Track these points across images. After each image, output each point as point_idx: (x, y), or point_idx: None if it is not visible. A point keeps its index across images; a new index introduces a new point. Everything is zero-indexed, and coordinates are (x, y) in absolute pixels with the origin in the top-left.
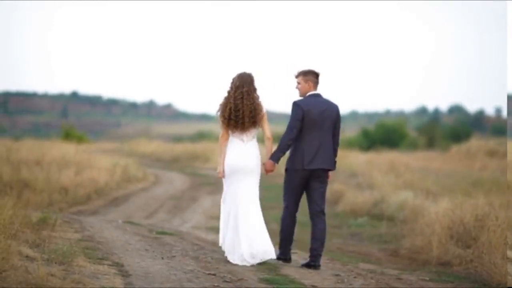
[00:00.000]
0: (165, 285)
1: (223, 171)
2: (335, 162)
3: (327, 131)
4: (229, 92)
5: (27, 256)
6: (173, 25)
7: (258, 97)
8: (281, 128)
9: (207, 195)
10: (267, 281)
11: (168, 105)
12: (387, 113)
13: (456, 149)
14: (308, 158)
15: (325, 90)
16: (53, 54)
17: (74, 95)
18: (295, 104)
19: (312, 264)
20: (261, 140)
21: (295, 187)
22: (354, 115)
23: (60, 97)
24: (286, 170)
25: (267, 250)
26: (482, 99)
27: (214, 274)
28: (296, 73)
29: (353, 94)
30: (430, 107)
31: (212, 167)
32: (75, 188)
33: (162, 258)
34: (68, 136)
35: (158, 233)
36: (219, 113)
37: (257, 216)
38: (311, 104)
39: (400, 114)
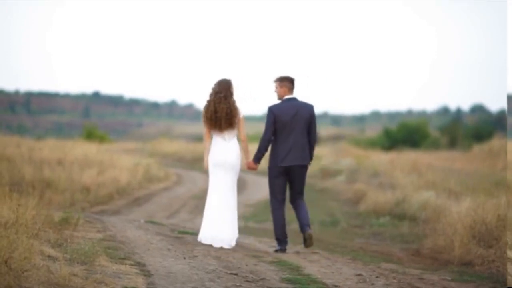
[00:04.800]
0: (187, 285)
1: (207, 164)
2: (310, 157)
3: (301, 131)
4: (210, 96)
5: (49, 256)
6: (195, 26)
7: (234, 102)
8: None
9: None
10: (289, 280)
11: (190, 105)
12: (409, 112)
13: (479, 149)
14: (281, 156)
15: (347, 90)
16: (75, 54)
17: (96, 95)
18: (268, 110)
19: (279, 249)
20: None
21: (275, 182)
22: (376, 114)
23: (82, 97)
24: (268, 168)
25: (232, 237)
26: (504, 99)
27: (236, 274)
28: (274, 79)
29: (375, 94)
30: (452, 106)
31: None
32: (97, 188)
33: (184, 258)
34: (90, 135)
35: (180, 232)
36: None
37: (231, 207)
38: (283, 108)
39: (422, 114)
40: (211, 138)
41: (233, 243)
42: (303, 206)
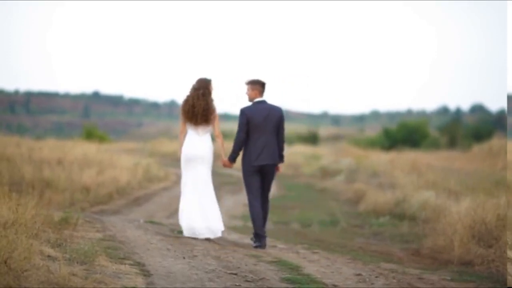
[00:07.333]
0: (186, 285)
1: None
2: (281, 156)
3: (271, 132)
4: (190, 92)
5: (49, 256)
6: (195, 25)
7: (212, 100)
8: (302, 127)
9: (229, 194)
10: (288, 280)
11: None
12: (409, 112)
13: (478, 149)
14: (254, 156)
15: (346, 90)
16: (75, 54)
17: (96, 95)
18: (241, 112)
19: (259, 245)
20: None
21: (250, 180)
22: (375, 114)
23: (81, 97)
24: (242, 167)
25: (216, 227)
26: (504, 99)
27: (235, 274)
28: (246, 81)
29: (375, 94)
30: (452, 106)
31: (235, 166)
32: (97, 188)
33: (184, 258)
34: (90, 135)
35: (179, 232)
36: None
37: (209, 196)
38: (254, 110)
39: (422, 114)
40: (186, 131)
41: (219, 234)
42: (265, 207)
